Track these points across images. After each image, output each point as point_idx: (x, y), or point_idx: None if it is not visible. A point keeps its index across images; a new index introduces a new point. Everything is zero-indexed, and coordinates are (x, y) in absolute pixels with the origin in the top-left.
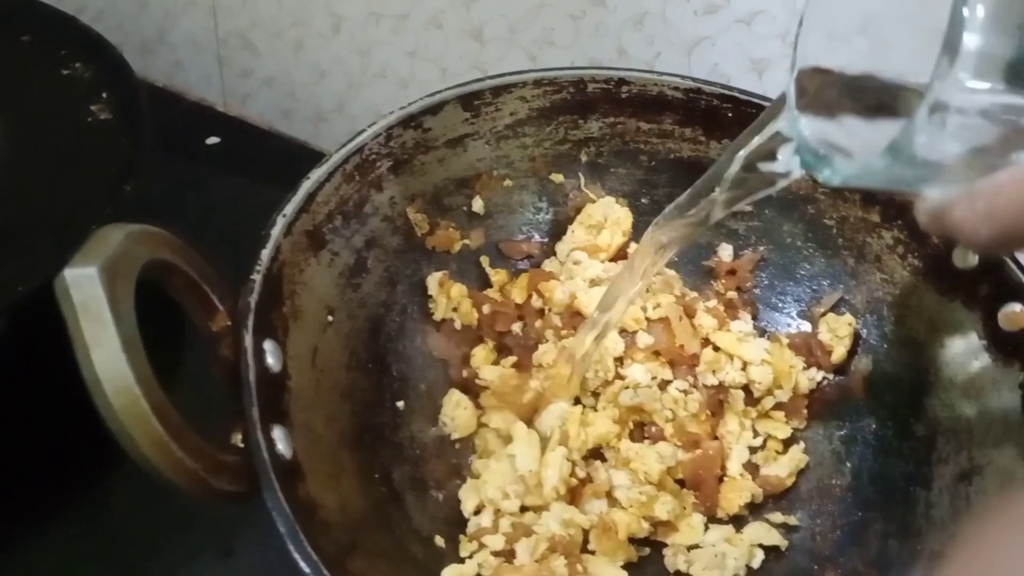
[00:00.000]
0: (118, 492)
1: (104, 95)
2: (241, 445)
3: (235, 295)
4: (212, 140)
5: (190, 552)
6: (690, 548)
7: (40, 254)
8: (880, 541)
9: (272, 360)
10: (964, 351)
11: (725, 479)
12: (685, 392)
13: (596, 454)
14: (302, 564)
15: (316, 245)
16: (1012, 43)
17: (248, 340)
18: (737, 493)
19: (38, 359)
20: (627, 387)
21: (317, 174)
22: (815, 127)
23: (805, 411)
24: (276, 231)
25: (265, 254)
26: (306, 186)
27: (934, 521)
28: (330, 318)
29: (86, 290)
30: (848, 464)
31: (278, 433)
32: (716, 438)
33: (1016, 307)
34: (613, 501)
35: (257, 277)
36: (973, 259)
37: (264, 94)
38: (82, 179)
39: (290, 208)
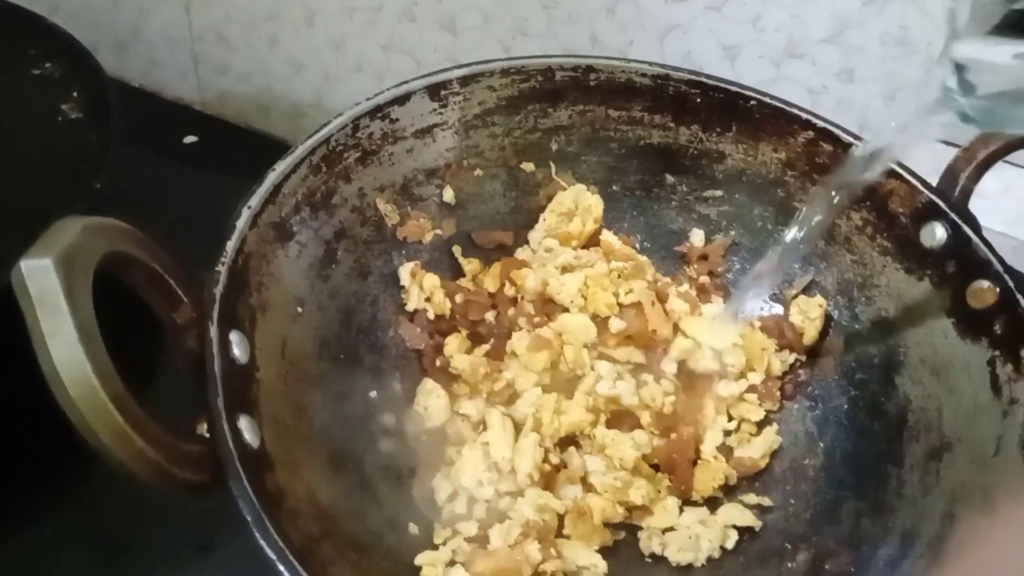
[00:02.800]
0: (94, 489)
1: (74, 94)
2: (207, 435)
3: (201, 287)
4: (190, 139)
5: (167, 548)
6: (665, 531)
7: (8, 251)
8: (852, 519)
9: (238, 351)
10: (933, 329)
11: (699, 462)
12: (661, 384)
13: (571, 441)
14: (268, 551)
15: (283, 237)
16: None
17: (213, 331)
18: (711, 476)
19: (12, 355)
20: (602, 378)
21: (282, 166)
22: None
23: (778, 393)
24: (241, 223)
25: (230, 245)
26: (271, 178)
27: (905, 498)
28: (299, 310)
29: (41, 281)
30: (821, 444)
31: (244, 423)
32: (690, 423)
33: (984, 284)
34: (588, 486)
35: (222, 268)
36: (941, 237)
37: (240, 90)
38: (52, 177)
39: (255, 200)
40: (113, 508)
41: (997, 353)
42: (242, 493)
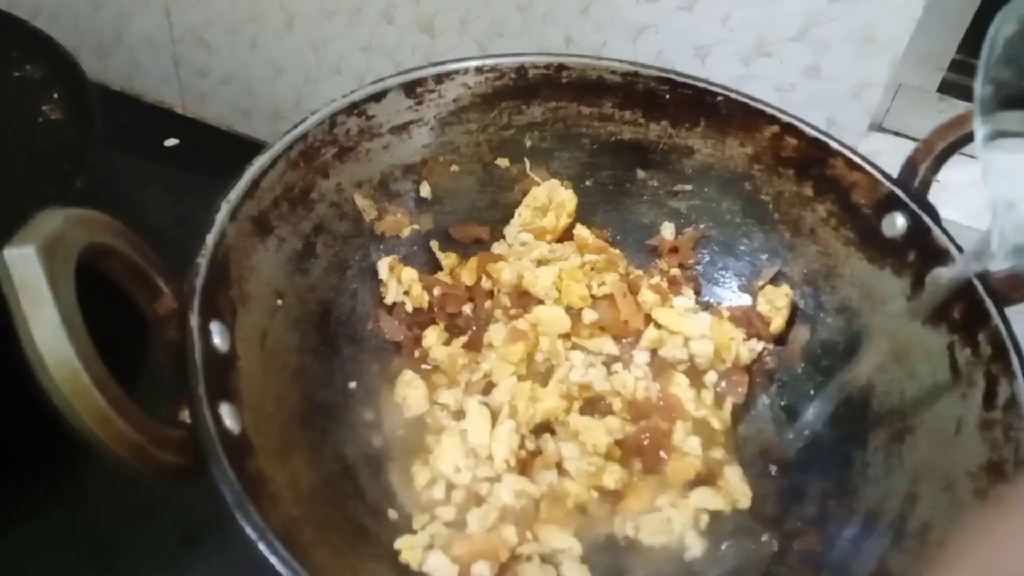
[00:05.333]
0: (81, 488)
1: (55, 95)
2: (188, 421)
3: (181, 279)
4: (171, 142)
5: (153, 542)
6: (638, 514)
7: None
8: (819, 501)
9: (219, 340)
10: (895, 316)
11: (672, 455)
12: (631, 371)
13: (546, 428)
14: (250, 532)
15: (262, 231)
16: None
17: (194, 320)
18: (683, 469)
19: None
20: (575, 366)
21: (260, 161)
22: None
23: (744, 388)
24: (221, 216)
25: (210, 238)
26: (250, 172)
27: (870, 479)
28: (279, 302)
29: (24, 269)
30: (789, 429)
31: (225, 409)
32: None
33: (942, 271)
34: (563, 472)
35: (202, 260)
36: (902, 227)
37: (222, 93)
38: (34, 176)
39: (234, 194)
40: (100, 505)
41: (956, 338)
42: (223, 477)
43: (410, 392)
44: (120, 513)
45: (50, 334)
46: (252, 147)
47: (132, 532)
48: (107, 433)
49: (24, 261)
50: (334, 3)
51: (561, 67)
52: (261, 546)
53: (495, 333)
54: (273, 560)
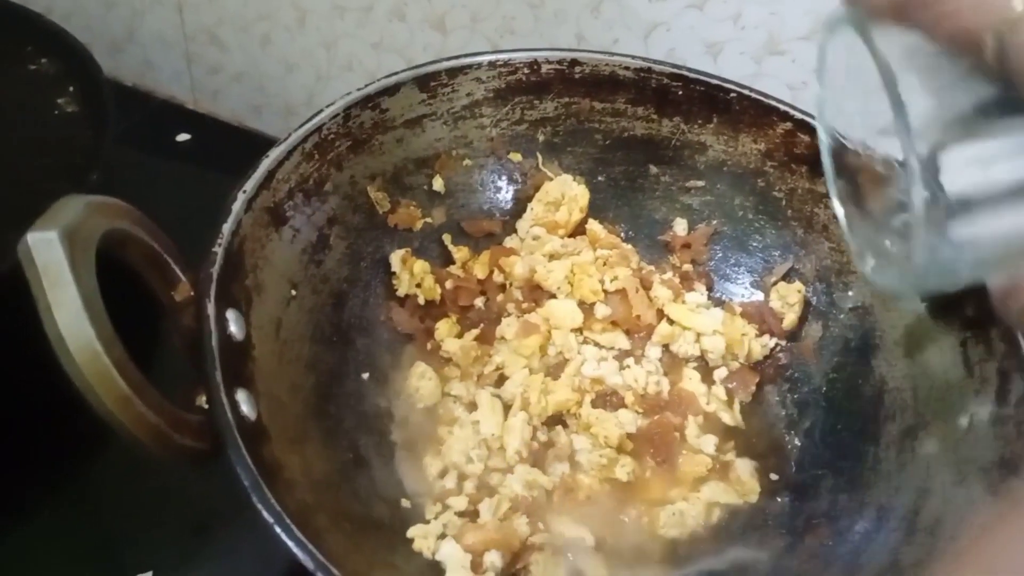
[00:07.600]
0: (91, 480)
1: (71, 89)
2: (205, 406)
3: (198, 268)
4: (183, 137)
5: (165, 532)
6: (650, 507)
7: (5, 242)
8: (831, 495)
9: (235, 328)
10: (907, 313)
11: (684, 453)
12: (643, 366)
13: (558, 420)
14: (266, 515)
15: (277, 221)
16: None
17: (210, 308)
18: (695, 466)
19: (10, 346)
20: (587, 360)
21: (276, 152)
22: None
23: (753, 387)
24: (237, 206)
25: (226, 228)
26: (265, 164)
27: (881, 474)
28: (293, 292)
29: (47, 253)
30: (801, 425)
31: (242, 396)
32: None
33: None
34: (575, 464)
35: (219, 249)
36: None
37: (233, 90)
38: (48, 171)
39: (250, 185)
40: (111, 498)
41: (968, 335)
42: (240, 460)
43: (422, 384)
44: (128, 505)
45: (72, 317)
46: (264, 143)
47: (141, 523)
48: (127, 415)
49: (47, 245)
50: (345, 0)
51: (574, 62)
52: (277, 529)
53: (507, 327)
54: (290, 543)
